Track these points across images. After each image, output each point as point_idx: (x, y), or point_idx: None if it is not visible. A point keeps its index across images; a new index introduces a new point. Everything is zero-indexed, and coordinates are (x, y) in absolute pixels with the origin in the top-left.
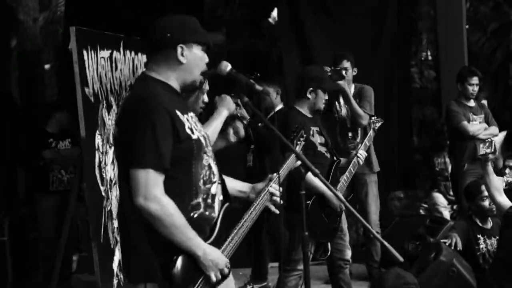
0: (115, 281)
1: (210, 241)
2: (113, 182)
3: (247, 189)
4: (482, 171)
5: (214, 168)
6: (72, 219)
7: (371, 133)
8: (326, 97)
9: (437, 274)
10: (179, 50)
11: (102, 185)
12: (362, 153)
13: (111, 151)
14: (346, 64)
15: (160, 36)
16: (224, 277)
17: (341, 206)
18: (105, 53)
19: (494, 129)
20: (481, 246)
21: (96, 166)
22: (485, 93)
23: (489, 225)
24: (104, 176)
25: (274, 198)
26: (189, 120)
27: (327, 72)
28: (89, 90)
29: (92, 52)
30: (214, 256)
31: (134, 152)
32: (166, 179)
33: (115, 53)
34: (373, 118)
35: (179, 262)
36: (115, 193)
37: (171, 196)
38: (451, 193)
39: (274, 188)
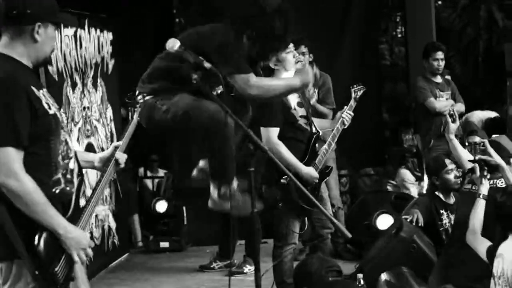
0: None
1: (67, 216)
2: None
3: (92, 158)
4: (450, 147)
5: (70, 144)
6: None
7: (352, 103)
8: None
9: (397, 250)
10: (36, 27)
11: None
12: (346, 118)
13: (75, 129)
14: (304, 49)
15: (19, 11)
16: (87, 257)
17: (314, 179)
18: (69, 31)
19: (461, 106)
20: (444, 222)
21: None
22: (448, 70)
23: (452, 200)
24: None
25: (119, 164)
26: (45, 96)
27: None
28: (53, 69)
29: (56, 30)
30: (76, 235)
31: None
32: (26, 156)
33: (79, 31)
34: (354, 86)
35: (43, 239)
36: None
37: (32, 173)
38: (418, 169)
39: (119, 155)
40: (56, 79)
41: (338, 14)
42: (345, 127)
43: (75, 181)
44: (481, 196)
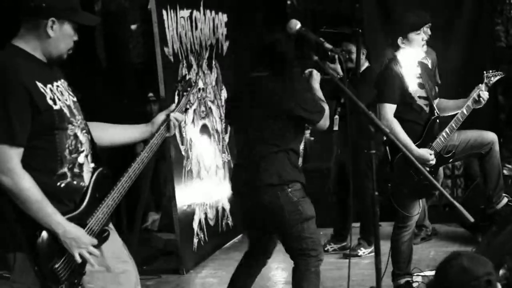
0: (195, 240)
1: (79, 210)
2: (193, 141)
3: (146, 127)
4: None
5: (82, 138)
6: (153, 178)
7: (483, 87)
8: (428, 33)
9: (511, 239)
10: (49, 22)
11: (182, 144)
12: (467, 109)
13: (191, 111)
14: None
15: (36, 4)
16: (93, 254)
17: (426, 162)
18: (185, 13)
19: None
20: None
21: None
22: None
23: None
24: (184, 135)
25: (172, 124)
26: (52, 90)
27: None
28: (168, 50)
29: (172, 11)
30: (76, 235)
31: None
32: (29, 149)
33: (195, 13)
34: (490, 71)
35: (44, 234)
36: (195, 152)
37: (35, 165)
38: None
39: (176, 116)
40: (172, 60)
41: None
42: (480, 106)
43: (85, 175)
44: None
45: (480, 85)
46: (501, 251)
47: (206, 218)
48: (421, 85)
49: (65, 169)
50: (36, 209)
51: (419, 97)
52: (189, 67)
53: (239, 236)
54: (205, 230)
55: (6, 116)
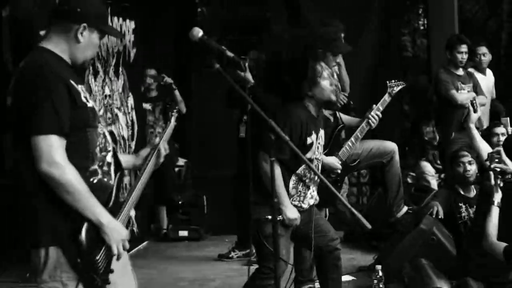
0: None
1: (106, 208)
2: None
3: (129, 158)
4: (468, 137)
5: (109, 138)
6: None
7: (386, 97)
8: (338, 60)
9: (417, 242)
10: (81, 28)
11: None
12: (373, 118)
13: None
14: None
15: (70, 8)
16: (124, 249)
17: (335, 170)
18: None
19: (482, 98)
20: (462, 215)
21: None
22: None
23: (472, 193)
24: None
25: (160, 155)
26: (83, 90)
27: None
28: None
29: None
30: (117, 227)
31: (34, 120)
32: (66, 145)
33: None
34: (392, 81)
35: (85, 227)
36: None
37: (71, 162)
38: (439, 162)
39: (163, 147)
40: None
41: (361, 6)
42: (372, 127)
43: (113, 174)
44: (495, 203)
45: (374, 105)
46: (402, 258)
47: None
48: None
49: (96, 166)
50: (82, 199)
51: None
52: (96, 73)
53: (144, 243)
54: None
55: (52, 108)
